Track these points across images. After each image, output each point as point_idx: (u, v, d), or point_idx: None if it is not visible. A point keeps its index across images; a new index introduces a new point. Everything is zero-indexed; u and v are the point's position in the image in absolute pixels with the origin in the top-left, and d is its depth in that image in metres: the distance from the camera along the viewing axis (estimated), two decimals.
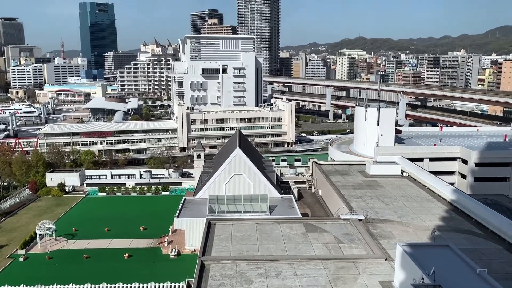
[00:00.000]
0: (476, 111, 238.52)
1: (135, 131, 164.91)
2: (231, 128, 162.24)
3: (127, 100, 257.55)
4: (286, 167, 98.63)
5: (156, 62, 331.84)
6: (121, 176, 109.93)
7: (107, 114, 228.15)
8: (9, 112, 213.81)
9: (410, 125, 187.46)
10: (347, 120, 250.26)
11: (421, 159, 79.27)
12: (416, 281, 26.39)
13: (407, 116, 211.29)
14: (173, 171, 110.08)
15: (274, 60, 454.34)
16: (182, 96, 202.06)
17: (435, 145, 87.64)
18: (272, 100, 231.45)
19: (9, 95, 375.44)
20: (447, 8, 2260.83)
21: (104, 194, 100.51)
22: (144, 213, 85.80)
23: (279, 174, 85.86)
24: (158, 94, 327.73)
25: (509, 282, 33.23)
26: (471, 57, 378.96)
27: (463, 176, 79.28)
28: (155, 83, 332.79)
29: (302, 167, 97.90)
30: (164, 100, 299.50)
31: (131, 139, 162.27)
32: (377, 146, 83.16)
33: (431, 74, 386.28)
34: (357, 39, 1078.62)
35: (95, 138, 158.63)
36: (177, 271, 56.99)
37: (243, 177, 66.13)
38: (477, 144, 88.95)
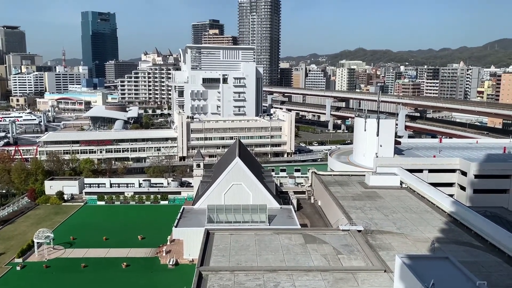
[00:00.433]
0: (475, 123, 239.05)
1: (135, 140, 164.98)
2: (231, 138, 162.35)
3: (127, 109, 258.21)
4: (285, 177, 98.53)
5: (157, 71, 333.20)
6: (120, 185, 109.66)
7: (107, 122, 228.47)
8: (9, 120, 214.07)
9: (409, 136, 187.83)
10: (346, 131, 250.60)
11: (421, 171, 79.26)
12: None
13: (406, 127, 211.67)
14: (172, 180, 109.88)
15: (274, 71, 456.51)
16: (182, 105, 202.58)
17: (434, 156, 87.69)
18: (272, 110, 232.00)
19: (9, 103, 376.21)
20: (446, 20, 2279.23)
21: (102, 202, 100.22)
22: (142, 222, 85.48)
23: (279, 184, 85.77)
24: (159, 103, 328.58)
25: None
26: (470, 69, 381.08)
27: (463, 188, 79.22)
28: (156, 92, 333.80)
29: (301, 177, 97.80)
30: (164, 109, 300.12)
31: (131, 148, 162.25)
32: (377, 157, 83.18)
33: (430, 86, 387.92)
34: (357, 50, 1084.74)
35: (94, 146, 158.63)
36: (175, 281, 56.63)
37: (242, 187, 66.05)
38: (476, 156, 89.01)
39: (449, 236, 46.55)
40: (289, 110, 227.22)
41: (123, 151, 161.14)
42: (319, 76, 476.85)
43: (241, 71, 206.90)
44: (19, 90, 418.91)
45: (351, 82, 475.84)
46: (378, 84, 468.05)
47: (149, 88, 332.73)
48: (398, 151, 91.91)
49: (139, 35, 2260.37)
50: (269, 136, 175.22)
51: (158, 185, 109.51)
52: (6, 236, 78.58)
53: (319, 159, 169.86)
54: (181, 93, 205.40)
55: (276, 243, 43.73)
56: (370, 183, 68.42)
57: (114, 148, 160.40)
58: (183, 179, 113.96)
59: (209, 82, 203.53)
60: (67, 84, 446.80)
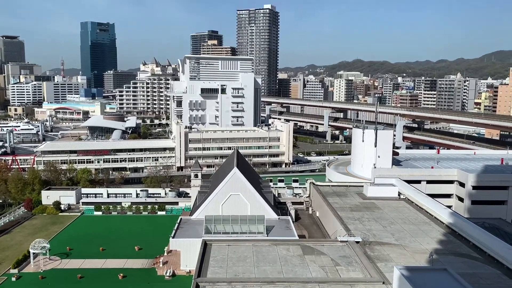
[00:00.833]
0: (473, 134, 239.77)
1: (133, 150, 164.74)
2: (229, 148, 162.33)
3: (125, 119, 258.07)
4: (283, 187, 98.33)
5: (156, 81, 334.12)
6: (117, 195, 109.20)
7: (105, 132, 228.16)
8: (7, 129, 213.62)
9: (407, 147, 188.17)
10: (344, 141, 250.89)
11: (419, 181, 79.23)
12: None
13: (404, 138, 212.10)
14: (169, 191, 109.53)
15: (272, 81, 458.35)
16: (181, 115, 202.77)
17: (432, 167, 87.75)
18: (270, 121, 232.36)
19: (7, 112, 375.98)
20: (443, 32, 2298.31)
21: (100, 213, 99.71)
22: (139, 233, 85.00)
23: (277, 195, 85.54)
24: (157, 113, 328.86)
25: None
26: (468, 80, 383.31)
27: (461, 199, 79.14)
28: (154, 102, 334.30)
29: (299, 187, 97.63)
30: (163, 119, 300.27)
31: (128, 158, 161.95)
32: (375, 167, 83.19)
33: (428, 97, 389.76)
34: (355, 61, 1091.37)
35: (92, 156, 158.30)
36: None
37: (240, 197, 65.83)
38: (474, 167, 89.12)
39: (447, 248, 46.39)
40: (287, 120, 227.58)
41: (120, 161, 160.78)
42: (317, 87, 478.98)
43: (239, 81, 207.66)
44: (17, 99, 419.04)
45: (349, 93, 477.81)
46: (376, 95, 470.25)
47: (148, 98, 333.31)
48: (396, 162, 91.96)
49: (138, 45, 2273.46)
50: (267, 147, 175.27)
51: (155, 195, 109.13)
52: (1, 247, 77.95)
53: (317, 170, 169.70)
54: (179, 103, 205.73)
55: (274, 254, 43.50)
56: (368, 194, 68.34)
57: (112, 158, 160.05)
58: (181, 189, 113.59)
59: (208, 92, 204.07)
60: (65, 94, 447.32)
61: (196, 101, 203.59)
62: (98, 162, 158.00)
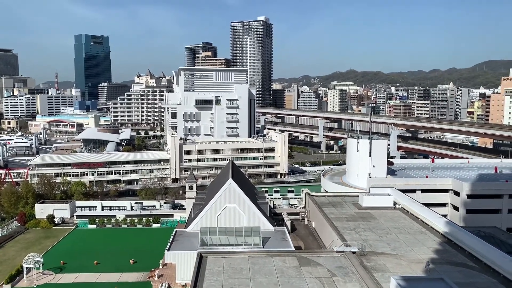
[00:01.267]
0: (467, 143, 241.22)
1: (127, 162, 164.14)
2: (224, 159, 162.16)
3: (119, 131, 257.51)
4: (279, 198, 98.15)
5: (150, 93, 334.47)
6: (112, 208, 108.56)
7: (100, 144, 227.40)
8: (0, 143, 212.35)
9: (401, 157, 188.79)
10: (339, 151, 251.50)
11: (414, 191, 79.33)
12: None
13: (398, 147, 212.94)
14: (164, 203, 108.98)
15: (267, 92, 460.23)
16: (175, 127, 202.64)
17: (427, 176, 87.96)
18: (265, 131, 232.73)
19: (1, 125, 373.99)
20: (436, 42, 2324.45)
21: (94, 226, 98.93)
22: (134, 246, 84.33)
23: (272, 206, 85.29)
24: (151, 125, 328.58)
25: None
26: (460, 90, 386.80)
27: (456, 208, 79.25)
28: (148, 114, 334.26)
29: (295, 198, 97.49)
30: (157, 130, 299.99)
31: (123, 170, 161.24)
32: (370, 177, 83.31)
33: (421, 107, 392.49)
34: (348, 72, 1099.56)
35: (86, 169, 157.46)
36: None
37: (236, 209, 65.54)
38: (468, 176, 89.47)
39: (443, 257, 46.35)
40: (282, 131, 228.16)
41: (115, 174, 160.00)
42: (311, 97, 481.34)
43: (234, 92, 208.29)
44: (11, 112, 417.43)
45: (343, 103, 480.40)
46: (370, 105, 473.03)
47: (142, 110, 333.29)
48: (390, 172, 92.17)
49: (133, 57, 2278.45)
50: (262, 157, 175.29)
51: (150, 207, 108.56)
52: None
53: (313, 180, 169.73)
54: (174, 115, 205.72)
55: (270, 266, 43.23)
56: (363, 204, 68.33)
57: (106, 171, 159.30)
58: (176, 201, 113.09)
59: (202, 104, 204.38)
60: (59, 107, 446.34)
61: (191, 112, 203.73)
62: (92, 174, 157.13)
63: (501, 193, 77.61)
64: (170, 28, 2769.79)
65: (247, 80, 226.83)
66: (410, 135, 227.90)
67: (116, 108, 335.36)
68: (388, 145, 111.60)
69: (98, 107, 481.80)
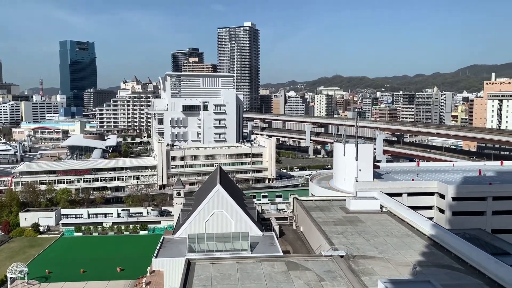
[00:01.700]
0: (451, 147, 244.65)
1: (113, 169, 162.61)
2: (212, 165, 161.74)
3: (106, 137, 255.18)
4: (267, 203, 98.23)
5: (136, 99, 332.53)
6: (98, 215, 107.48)
7: (85, 151, 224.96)
8: None
9: (387, 161, 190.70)
10: (326, 156, 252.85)
11: (400, 194, 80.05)
12: None
13: (384, 151, 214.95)
14: (151, 209, 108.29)
15: (254, 97, 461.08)
16: (162, 133, 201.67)
17: (413, 180, 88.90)
18: (252, 136, 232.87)
19: None
20: (420, 47, 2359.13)
21: (80, 234, 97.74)
22: (121, 253, 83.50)
23: (260, 211, 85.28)
24: (138, 131, 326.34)
25: None
26: (444, 94, 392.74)
27: (441, 211, 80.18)
28: (135, 120, 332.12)
29: (283, 203, 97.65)
30: (144, 137, 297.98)
31: (109, 177, 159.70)
32: (356, 181, 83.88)
33: (406, 111, 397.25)
34: (334, 77, 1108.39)
35: (72, 176, 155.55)
36: None
37: (224, 215, 65.37)
38: (453, 179, 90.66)
39: (430, 259, 46.83)
40: (270, 136, 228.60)
41: (101, 181, 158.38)
42: (298, 103, 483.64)
43: (221, 98, 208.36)
44: None
45: (329, 108, 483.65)
46: (356, 109, 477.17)
47: (128, 116, 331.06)
48: (377, 175, 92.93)
49: (118, 63, 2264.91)
50: (250, 163, 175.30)
51: (137, 214, 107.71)
52: None
53: (300, 185, 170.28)
54: (160, 121, 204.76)
55: (259, 272, 43.18)
56: (351, 208, 68.73)
57: (92, 178, 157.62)
58: (163, 208, 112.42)
59: (189, 109, 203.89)
60: (44, 113, 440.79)
61: (178, 118, 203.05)
62: (78, 182, 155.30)
63: (485, 196, 78.79)
64: (156, 34, 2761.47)
65: (234, 85, 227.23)
66: (395, 139, 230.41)
67: (102, 114, 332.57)
68: (374, 149, 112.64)
69: (83, 113, 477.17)
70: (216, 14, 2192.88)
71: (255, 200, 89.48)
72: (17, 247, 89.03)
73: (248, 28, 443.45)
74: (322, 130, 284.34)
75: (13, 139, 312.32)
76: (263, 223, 76.14)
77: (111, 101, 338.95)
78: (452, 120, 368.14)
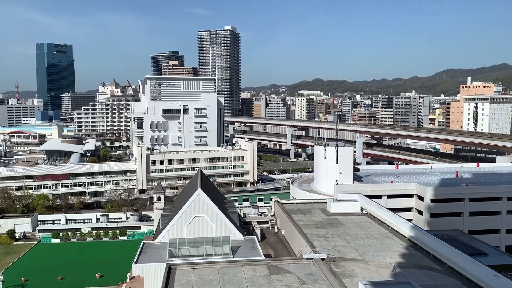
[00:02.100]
0: (429, 149, 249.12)
1: (92, 173, 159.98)
2: (193, 169, 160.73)
3: (84, 142, 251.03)
4: (248, 207, 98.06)
5: (115, 102, 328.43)
6: (77, 221, 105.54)
7: (63, 156, 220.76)
8: None
9: (367, 163, 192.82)
10: (307, 159, 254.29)
11: (380, 196, 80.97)
12: None
13: (364, 154, 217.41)
14: (131, 215, 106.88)
15: (235, 101, 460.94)
16: (142, 137, 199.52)
17: (392, 182, 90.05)
18: (234, 140, 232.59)
19: None
20: (398, 52, 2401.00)
21: (58, 240, 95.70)
22: (100, 260, 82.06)
23: (242, 215, 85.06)
24: (117, 135, 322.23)
25: None
26: (422, 97, 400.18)
27: (420, 212, 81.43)
28: (114, 124, 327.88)
29: (264, 206, 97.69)
30: (123, 141, 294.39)
31: (88, 182, 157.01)
32: (337, 184, 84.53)
33: (385, 114, 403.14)
34: (315, 81, 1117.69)
35: (49, 181, 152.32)
36: None
37: (205, 219, 64.93)
38: (431, 181, 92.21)
39: (409, 261, 47.43)
40: (251, 139, 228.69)
41: (79, 186, 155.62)
42: (279, 106, 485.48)
43: (202, 101, 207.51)
44: None
45: (310, 112, 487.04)
46: (336, 113, 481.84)
47: (107, 120, 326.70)
48: (357, 178, 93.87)
49: (97, 66, 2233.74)
50: (232, 166, 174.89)
51: (116, 220, 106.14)
52: None
53: (282, 188, 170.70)
54: (140, 125, 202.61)
55: (240, 276, 42.99)
56: (331, 210, 69.15)
57: (70, 183, 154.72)
58: (143, 213, 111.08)
59: (170, 113, 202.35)
60: (20, 117, 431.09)
61: (158, 122, 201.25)
62: (56, 187, 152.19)
63: (462, 197, 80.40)
64: (136, 37, 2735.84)
65: (215, 89, 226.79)
66: (375, 142, 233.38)
67: (80, 118, 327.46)
68: (354, 152, 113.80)
69: (61, 117, 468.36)
70: (197, 18, 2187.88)
71: (236, 204, 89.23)
72: None
73: (228, 31, 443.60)
74: (303, 133, 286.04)
75: None
76: (244, 227, 75.94)
77: (90, 105, 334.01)
78: (430, 123, 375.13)
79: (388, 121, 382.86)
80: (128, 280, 66.25)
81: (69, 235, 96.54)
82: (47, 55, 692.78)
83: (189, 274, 43.27)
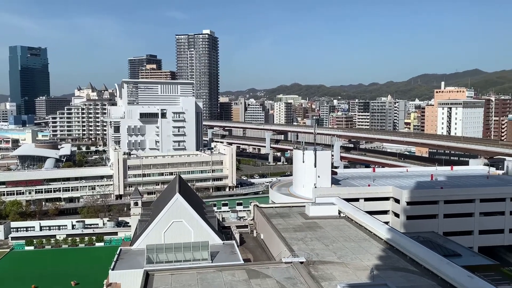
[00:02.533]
0: (405, 153, 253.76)
1: (68, 179, 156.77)
2: (171, 173, 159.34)
3: (59, 146, 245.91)
4: (227, 211, 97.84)
5: (91, 106, 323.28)
6: (51, 227, 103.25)
7: (37, 161, 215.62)
8: None
9: (345, 167, 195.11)
10: (286, 163, 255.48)
11: (357, 199, 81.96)
12: None
13: (342, 158, 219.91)
14: (108, 220, 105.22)
15: (214, 105, 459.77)
16: (119, 141, 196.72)
17: (369, 185, 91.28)
18: (212, 144, 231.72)
19: None
20: (374, 57, 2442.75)
21: (31, 247, 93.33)
22: (76, 267, 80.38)
23: (221, 219, 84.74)
24: (93, 139, 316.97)
25: None
26: (397, 102, 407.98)
27: (397, 215, 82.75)
28: (90, 128, 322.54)
29: (243, 211, 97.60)
30: (99, 145, 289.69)
31: (63, 187, 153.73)
32: (315, 187, 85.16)
33: (362, 118, 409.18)
34: (293, 85, 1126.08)
35: (22, 187, 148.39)
36: None
37: (183, 224, 64.37)
38: (407, 184, 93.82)
39: (386, 263, 48.08)
40: (230, 143, 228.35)
41: (54, 191, 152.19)
42: (258, 110, 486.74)
43: (180, 105, 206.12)
44: None
45: (288, 116, 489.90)
46: (314, 117, 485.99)
47: (83, 124, 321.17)
48: (335, 181, 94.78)
49: (73, 70, 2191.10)
50: (210, 171, 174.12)
51: (93, 226, 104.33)
52: None
53: (261, 192, 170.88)
54: (117, 129, 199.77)
55: (219, 281, 42.76)
56: (310, 214, 69.55)
57: (45, 188, 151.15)
58: (120, 218, 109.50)
59: (147, 117, 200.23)
60: None
61: (135, 126, 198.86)
62: (30, 193, 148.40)
63: (437, 199, 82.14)
64: (112, 40, 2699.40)
65: (193, 93, 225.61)
66: (352, 145, 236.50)
67: (55, 122, 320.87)
68: (332, 155, 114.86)
69: (35, 121, 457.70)
70: (175, 21, 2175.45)
71: (215, 208, 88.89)
72: None
73: (207, 35, 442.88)
74: (282, 137, 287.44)
75: None
76: (223, 231, 75.64)
77: (65, 109, 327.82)
78: (405, 127, 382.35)
79: (365, 125, 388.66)
80: (105, 287, 65.09)
81: (44, 242, 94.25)
82: (20, 58, 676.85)
83: (167, 280, 42.80)
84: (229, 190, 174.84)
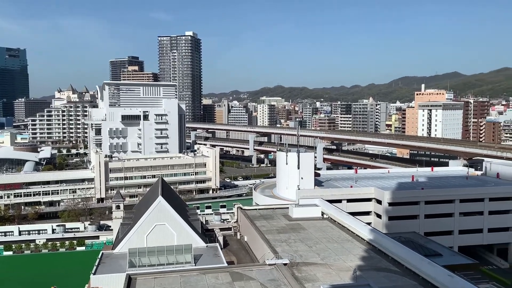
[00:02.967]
0: (386, 154, 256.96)
1: (48, 182, 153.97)
2: (153, 176, 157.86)
3: (39, 149, 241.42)
4: (211, 214, 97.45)
5: (72, 109, 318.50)
6: (31, 232, 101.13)
7: (16, 164, 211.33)
8: None
9: (327, 168, 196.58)
10: (269, 165, 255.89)
11: (340, 201, 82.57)
12: None
13: (324, 159, 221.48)
14: (89, 224, 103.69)
15: (197, 107, 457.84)
16: (100, 144, 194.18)
17: (351, 186, 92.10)
18: (196, 146, 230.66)
19: None
20: (355, 60, 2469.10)
21: (10, 253, 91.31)
22: (56, 272, 78.98)
23: (204, 222, 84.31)
24: (74, 142, 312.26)
25: None
26: (379, 104, 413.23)
27: (379, 216, 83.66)
28: (71, 131, 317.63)
29: (227, 213, 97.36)
30: (80, 148, 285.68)
31: (43, 191, 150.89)
32: (299, 189, 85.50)
33: (344, 120, 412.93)
34: (276, 87, 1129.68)
35: (1, 191, 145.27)
36: None
37: (166, 227, 63.85)
38: (389, 185, 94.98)
39: (369, 263, 48.55)
40: (213, 146, 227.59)
41: (34, 195, 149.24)
42: (242, 112, 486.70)
43: (162, 107, 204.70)
44: None
45: (272, 118, 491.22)
46: (297, 119, 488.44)
47: (64, 127, 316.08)
48: (318, 183, 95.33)
49: (53, 71, 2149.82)
50: (194, 173, 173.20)
51: (74, 230, 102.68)
52: None
53: (244, 194, 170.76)
54: (98, 131, 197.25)
55: (203, 284, 42.55)
56: (293, 215, 69.78)
57: (24, 192, 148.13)
58: (102, 222, 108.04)
59: (129, 119, 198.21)
60: None
61: (117, 128, 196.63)
62: (8, 197, 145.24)
63: (418, 200, 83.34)
64: (93, 42, 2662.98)
65: (176, 95, 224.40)
66: (335, 147, 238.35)
67: (35, 125, 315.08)
68: (315, 157, 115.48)
69: (14, 124, 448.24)
70: (157, 23, 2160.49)
71: (198, 211, 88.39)
72: None
73: (190, 37, 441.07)
74: (265, 139, 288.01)
75: None
76: (207, 234, 75.29)
77: (45, 111, 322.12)
78: (386, 129, 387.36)
79: (347, 127, 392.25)
80: None
81: (23, 247, 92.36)
82: None
83: (150, 284, 42.38)
84: (213, 192, 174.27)
